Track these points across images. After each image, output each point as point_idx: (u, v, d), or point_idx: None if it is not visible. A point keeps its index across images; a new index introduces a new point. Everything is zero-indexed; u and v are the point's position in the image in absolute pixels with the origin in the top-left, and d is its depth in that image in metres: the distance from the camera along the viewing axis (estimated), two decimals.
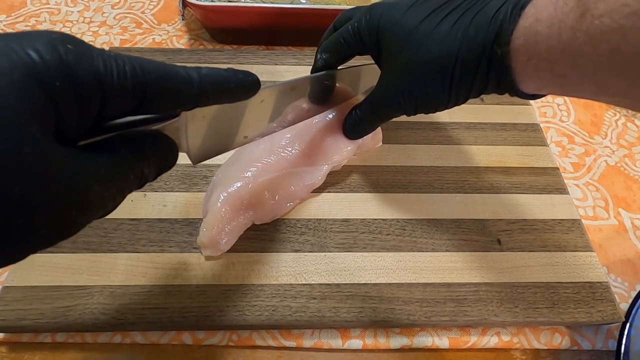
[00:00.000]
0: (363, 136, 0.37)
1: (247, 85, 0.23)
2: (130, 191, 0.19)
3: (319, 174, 0.36)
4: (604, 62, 0.21)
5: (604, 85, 0.23)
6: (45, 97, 0.15)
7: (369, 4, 0.52)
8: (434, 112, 0.30)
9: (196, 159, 0.25)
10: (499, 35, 0.25)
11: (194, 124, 0.24)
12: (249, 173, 0.35)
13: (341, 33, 0.33)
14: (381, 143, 0.41)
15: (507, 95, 0.28)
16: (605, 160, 0.45)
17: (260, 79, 0.47)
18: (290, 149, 0.36)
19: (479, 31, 0.26)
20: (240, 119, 0.27)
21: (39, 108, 0.15)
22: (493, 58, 0.25)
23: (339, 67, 0.35)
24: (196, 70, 0.20)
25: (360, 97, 0.36)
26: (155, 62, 0.18)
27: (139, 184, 0.20)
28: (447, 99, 0.29)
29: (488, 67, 0.26)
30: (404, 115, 0.32)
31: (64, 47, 0.16)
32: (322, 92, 0.35)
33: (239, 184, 0.34)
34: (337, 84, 0.36)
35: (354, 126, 0.35)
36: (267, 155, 0.36)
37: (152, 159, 0.20)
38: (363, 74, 0.37)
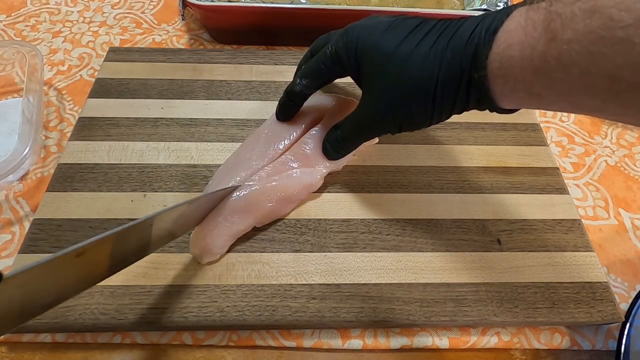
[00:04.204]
0: (344, 156, 0.37)
1: None
2: None
3: (318, 175, 0.36)
4: (577, 83, 0.22)
5: (580, 103, 0.24)
6: None
7: (366, 5, 0.52)
8: (418, 130, 0.31)
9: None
10: (475, 59, 0.26)
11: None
12: (243, 179, 0.34)
13: (320, 58, 0.33)
14: (377, 140, 0.41)
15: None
16: (605, 160, 0.45)
17: (260, 79, 0.47)
18: (288, 153, 0.36)
19: (456, 55, 0.26)
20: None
21: None
22: (472, 80, 0.26)
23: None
24: None
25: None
26: None
27: None
28: (430, 118, 0.29)
29: (468, 88, 0.27)
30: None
31: None
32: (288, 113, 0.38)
33: (231, 192, 0.33)
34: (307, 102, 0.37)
35: (336, 146, 0.36)
36: (263, 159, 0.35)
37: None
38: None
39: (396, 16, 0.31)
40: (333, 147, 0.36)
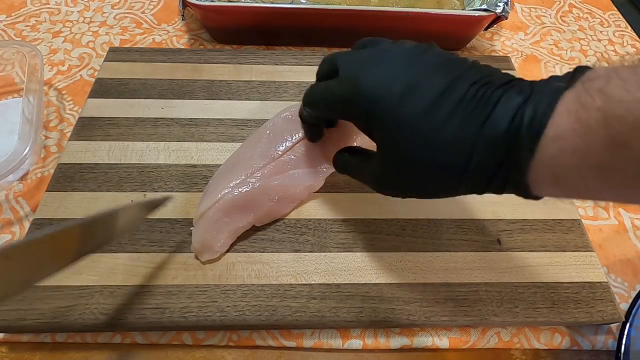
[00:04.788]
0: None
1: None
2: None
3: (320, 176, 0.36)
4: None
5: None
6: None
7: (366, 5, 0.52)
8: None
9: None
10: (517, 162, 0.22)
11: None
12: (244, 177, 0.34)
13: (323, 98, 0.29)
14: None
15: None
16: None
17: (260, 79, 0.47)
18: (290, 153, 0.36)
19: (491, 150, 0.22)
20: None
21: None
22: (509, 178, 0.23)
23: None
24: None
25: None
26: None
27: None
28: (454, 194, 0.26)
29: (504, 184, 0.23)
30: None
31: None
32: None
33: (232, 189, 0.33)
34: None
35: (341, 169, 0.33)
36: (265, 158, 0.35)
37: None
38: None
39: (413, 54, 0.26)
40: (339, 169, 0.34)
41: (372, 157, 0.28)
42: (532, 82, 0.23)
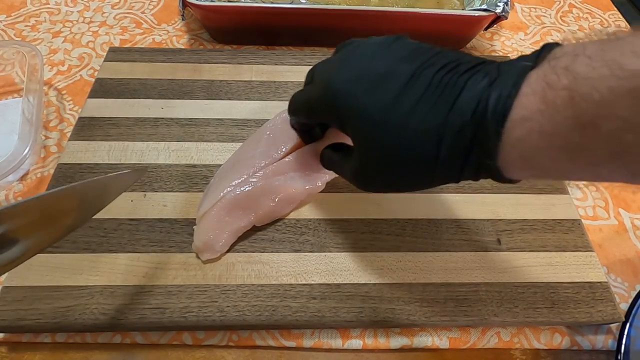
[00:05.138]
0: None
1: None
2: None
3: (320, 181, 0.36)
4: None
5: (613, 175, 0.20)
6: None
7: (366, 5, 0.52)
8: None
9: None
10: (484, 148, 0.21)
11: None
12: (246, 176, 0.34)
13: (302, 105, 0.31)
14: None
15: None
16: None
17: (260, 79, 0.47)
18: (291, 156, 0.36)
19: (459, 136, 0.22)
20: None
21: None
22: (480, 164, 0.22)
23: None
24: None
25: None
26: None
27: None
28: (431, 185, 0.25)
29: (476, 169, 0.23)
30: None
31: None
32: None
33: (234, 187, 0.34)
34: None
35: (326, 166, 0.34)
36: (266, 158, 0.35)
37: None
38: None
39: (381, 47, 0.25)
40: (325, 165, 0.34)
41: (351, 153, 0.28)
42: (500, 64, 0.22)
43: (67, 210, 0.25)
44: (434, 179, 0.24)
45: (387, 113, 0.23)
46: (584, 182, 0.43)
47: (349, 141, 0.29)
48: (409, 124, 0.23)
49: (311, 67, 0.31)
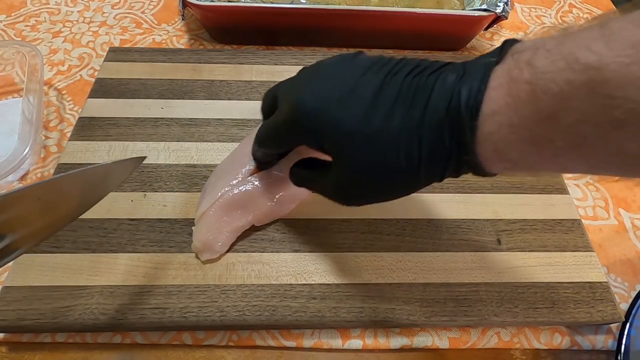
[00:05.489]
0: None
1: None
2: None
3: None
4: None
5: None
6: None
7: (366, 5, 0.52)
8: None
9: None
10: (461, 144, 0.21)
11: None
12: (242, 175, 0.34)
13: (270, 131, 0.29)
14: None
15: None
16: None
17: (260, 79, 0.47)
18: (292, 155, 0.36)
19: (437, 136, 0.22)
20: None
21: None
22: (460, 161, 0.22)
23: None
24: None
25: None
26: None
27: None
28: (414, 190, 0.25)
29: (457, 166, 0.23)
30: None
31: None
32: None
33: (232, 187, 0.33)
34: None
35: (299, 184, 0.32)
36: None
37: None
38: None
39: (343, 61, 0.25)
40: (300, 185, 0.32)
41: (328, 169, 0.27)
42: (465, 62, 0.22)
43: (68, 198, 0.24)
44: (420, 181, 0.24)
45: (364, 123, 0.23)
46: (583, 181, 0.43)
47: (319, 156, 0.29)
48: (389, 130, 0.22)
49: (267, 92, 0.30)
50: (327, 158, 0.26)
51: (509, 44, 0.21)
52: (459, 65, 0.22)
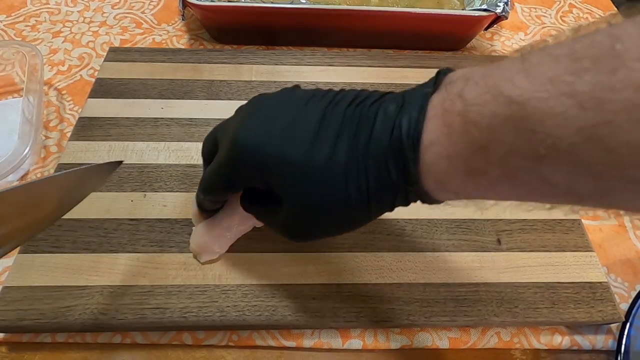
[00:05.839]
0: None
1: None
2: None
3: None
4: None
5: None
6: None
7: (366, 5, 0.52)
8: None
9: None
10: (406, 175, 0.21)
11: None
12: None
13: (212, 177, 0.27)
14: None
15: None
16: None
17: (260, 79, 0.47)
18: None
19: (382, 167, 0.21)
20: None
21: None
22: (408, 191, 0.22)
23: None
24: None
25: None
26: None
27: None
28: (366, 221, 0.25)
29: (406, 195, 0.22)
30: None
31: None
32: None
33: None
34: None
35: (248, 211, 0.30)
36: None
37: None
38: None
39: (282, 95, 0.25)
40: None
41: (276, 205, 0.25)
42: (403, 92, 0.22)
43: (43, 202, 0.24)
44: (370, 213, 0.23)
45: (308, 155, 0.22)
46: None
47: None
48: (335, 161, 0.22)
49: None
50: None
51: (442, 73, 0.21)
52: (398, 95, 0.22)
